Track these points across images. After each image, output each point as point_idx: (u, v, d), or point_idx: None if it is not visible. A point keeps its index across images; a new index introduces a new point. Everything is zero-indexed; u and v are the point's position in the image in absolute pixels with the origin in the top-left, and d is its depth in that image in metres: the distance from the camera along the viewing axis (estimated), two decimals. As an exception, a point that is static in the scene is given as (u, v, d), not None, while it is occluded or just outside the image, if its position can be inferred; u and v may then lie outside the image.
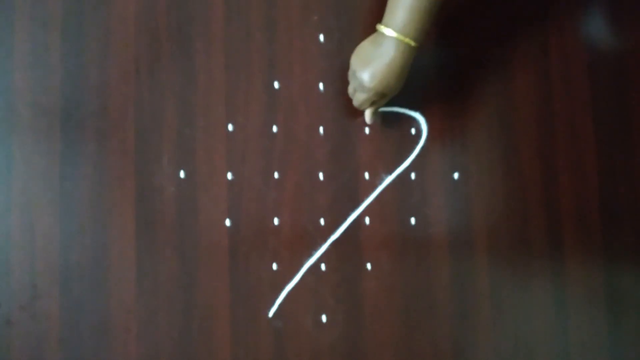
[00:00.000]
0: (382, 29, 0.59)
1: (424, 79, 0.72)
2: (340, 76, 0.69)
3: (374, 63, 0.60)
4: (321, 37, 0.70)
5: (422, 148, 0.71)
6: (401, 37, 0.58)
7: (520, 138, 0.73)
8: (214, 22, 0.69)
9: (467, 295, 0.70)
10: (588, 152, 0.74)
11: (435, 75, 0.72)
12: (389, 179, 0.70)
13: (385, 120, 0.70)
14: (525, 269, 0.71)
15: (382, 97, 0.63)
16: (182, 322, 0.65)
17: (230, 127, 0.68)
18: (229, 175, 0.68)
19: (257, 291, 0.67)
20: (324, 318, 0.67)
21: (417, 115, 0.71)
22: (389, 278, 0.69)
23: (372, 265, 0.69)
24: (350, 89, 0.65)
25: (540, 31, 0.75)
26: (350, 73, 0.64)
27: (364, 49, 0.61)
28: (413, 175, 0.70)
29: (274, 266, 0.67)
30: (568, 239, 0.72)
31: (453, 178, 0.71)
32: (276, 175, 0.68)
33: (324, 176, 0.69)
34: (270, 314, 0.67)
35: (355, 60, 0.62)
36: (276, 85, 0.69)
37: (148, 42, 0.68)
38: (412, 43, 0.58)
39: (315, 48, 0.70)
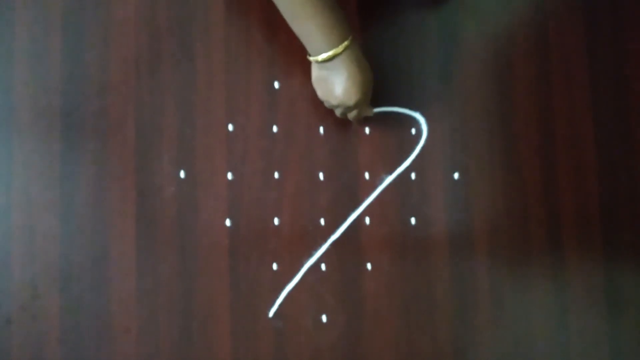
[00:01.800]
0: (317, 58, 0.58)
1: (424, 79, 0.72)
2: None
3: (337, 85, 0.59)
4: (321, 37, 0.70)
5: (422, 148, 0.71)
6: (335, 50, 0.57)
7: (520, 138, 0.73)
8: (214, 22, 0.69)
9: (467, 295, 0.70)
10: (588, 152, 0.74)
11: (435, 75, 0.72)
12: (389, 179, 0.70)
13: (385, 120, 0.70)
14: (525, 269, 0.71)
15: (367, 98, 0.63)
16: (182, 322, 0.65)
17: (230, 127, 0.68)
18: (229, 175, 0.68)
19: (257, 291, 0.67)
20: (324, 318, 0.67)
21: (417, 115, 0.71)
22: (389, 278, 0.69)
23: (372, 265, 0.69)
24: (339, 114, 0.65)
25: (540, 31, 0.75)
26: (328, 106, 0.64)
27: (320, 82, 0.61)
28: (413, 175, 0.70)
29: (274, 266, 0.67)
30: (568, 239, 0.72)
31: (453, 178, 0.71)
32: (276, 175, 0.68)
33: (324, 176, 0.69)
34: (270, 314, 0.67)
35: (323, 95, 0.62)
36: (276, 85, 0.69)
37: (148, 42, 0.68)
38: (346, 43, 0.57)
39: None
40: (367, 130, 0.70)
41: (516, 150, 0.73)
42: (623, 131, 0.75)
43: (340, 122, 0.70)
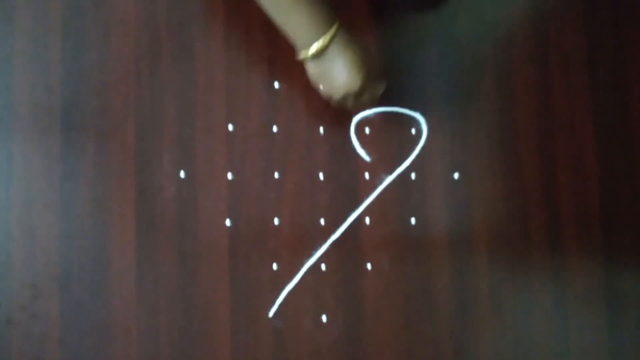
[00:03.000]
0: (307, 52, 0.56)
1: (424, 79, 0.72)
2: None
3: (339, 75, 0.57)
4: (321, 37, 0.70)
5: (422, 148, 0.71)
6: (324, 39, 0.55)
7: (520, 138, 0.73)
8: (214, 22, 0.69)
9: (467, 295, 0.70)
10: (588, 152, 0.74)
11: (435, 75, 0.72)
12: (389, 179, 0.70)
13: (385, 120, 0.70)
14: (525, 269, 0.71)
15: (373, 76, 0.60)
16: (182, 322, 0.65)
17: (230, 127, 0.68)
18: (229, 175, 0.68)
19: (257, 291, 0.67)
20: (324, 318, 0.67)
21: (417, 115, 0.71)
22: (389, 278, 0.69)
23: (372, 265, 0.69)
24: (351, 105, 0.63)
25: (540, 31, 0.75)
26: (336, 102, 0.62)
27: (320, 78, 0.59)
28: (413, 175, 0.70)
29: (274, 266, 0.67)
30: (568, 239, 0.72)
31: (453, 178, 0.71)
32: (276, 175, 0.68)
33: (324, 176, 0.69)
34: (270, 314, 0.67)
35: (328, 90, 0.60)
36: (276, 85, 0.69)
37: (148, 42, 0.68)
38: (334, 29, 0.55)
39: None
40: (367, 130, 0.70)
41: (516, 150, 0.73)
42: (623, 131, 0.75)
43: (340, 122, 0.70)
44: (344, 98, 0.60)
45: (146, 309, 0.65)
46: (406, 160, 0.71)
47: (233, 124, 0.68)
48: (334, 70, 0.57)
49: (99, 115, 0.67)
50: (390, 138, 0.70)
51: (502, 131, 0.73)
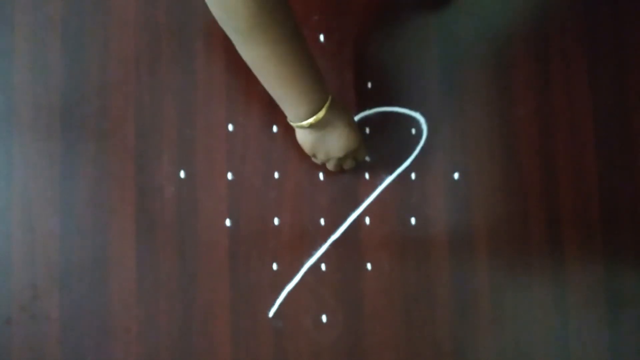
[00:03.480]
0: (302, 124, 0.56)
1: (424, 79, 0.72)
2: (341, 75, 0.69)
3: (338, 138, 0.59)
4: (321, 37, 0.70)
5: (422, 148, 0.71)
6: (322, 112, 0.55)
7: (520, 138, 0.73)
8: (214, 22, 0.69)
9: (467, 295, 0.70)
10: (588, 152, 0.74)
11: (435, 75, 0.72)
12: (389, 179, 0.70)
13: (385, 120, 0.70)
14: (525, 269, 0.71)
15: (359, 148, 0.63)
16: (182, 322, 0.65)
17: (230, 127, 0.68)
18: (229, 175, 0.68)
19: (257, 291, 0.67)
20: (324, 318, 0.67)
21: (417, 115, 0.71)
22: (389, 278, 0.69)
23: (372, 265, 0.69)
24: (333, 166, 0.65)
25: (540, 31, 0.75)
26: (319, 162, 0.65)
27: (316, 143, 0.60)
28: (413, 175, 0.70)
29: (274, 266, 0.67)
30: (568, 239, 0.72)
31: (453, 178, 0.71)
32: (276, 175, 0.68)
33: (324, 176, 0.69)
34: (270, 314, 0.67)
35: (324, 155, 0.62)
36: (276, 85, 0.69)
37: (148, 42, 0.68)
38: (327, 102, 0.56)
39: (315, 48, 0.70)
40: (367, 130, 0.70)
41: (516, 150, 0.73)
42: (623, 132, 0.75)
43: (340, 122, 0.70)
44: (343, 158, 0.63)
45: (146, 309, 0.65)
46: (406, 161, 0.71)
47: (233, 124, 0.68)
48: (333, 135, 0.59)
49: (99, 115, 0.67)
50: (390, 138, 0.70)
51: (502, 131, 0.73)
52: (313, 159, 0.65)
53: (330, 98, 0.56)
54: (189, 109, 0.68)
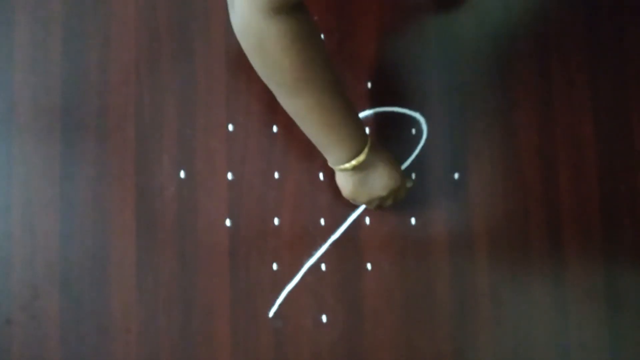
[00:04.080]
0: (346, 166, 0.58)
1: (424, 79, 0.72)
2: (341, 75, 0.69)
3: (382, 177, 0.60)
4: (321, 37, 0.70)
5: (422, 148, 0.71)
6: (360, 158, 0.57)
7: (520, 138, 0.73)
8: (214, 22, 0.69)
9: (467, 295, 0.70)
10: (588, 152, 0.74)
11: (435, 75, 0.72)
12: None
13: (385, 120, 0.70)
14: (525, 269, 0.71)
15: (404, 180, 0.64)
16: (182, 322, 0.65)
17: (230, 127, 0.68)
18: (229, 175, 0.68)
19: (257, 291, 0.67)
20: (324, 318, 0.67)
21: (417, 115, 0.71)
22: (389, 278, 0.69)
23: (372, 265, 0.69)
24: (374, 206, 0.65)
25: (541, 31, 0.75)
26: (370, 205, 0.64)
27: (359, 185, 0.61)
28: (413, 176, 0.70)
29: (274, 266, 0.67)
30: (568, 239, 0.72)
31: (453, 178, 0.71)
32: (276, 175, 0.68)
33: (324, 176, 0.69)
34: (270, 314, 0.67)
35: (368, 196, 0.62)
36: (276, 85, 0.69)
37: (148, 42, 0.68)
38: (368, 144, 0.57)
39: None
40: (367, 130, 0.70)
41: (516, 150, 0.73)
42: (623, 132, 0.75)
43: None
44: (385, 198, 0.63)
45: (146, 309, 0.65)
46: (406, 161, 0.71)
47: (233, 124, 0.68)
48: (376, 174, 0.60)
49: (99, 115, 0.67)
50: (390, 138, 0.70)
51: (502, 131, 0.73)
52: (352, 201, 0.65)
53: (369, 140, 0.58)
54: (189, 109, 0.68)
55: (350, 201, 0.65)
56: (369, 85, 0.70)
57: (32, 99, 0.66)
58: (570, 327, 0.71)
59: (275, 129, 0.69)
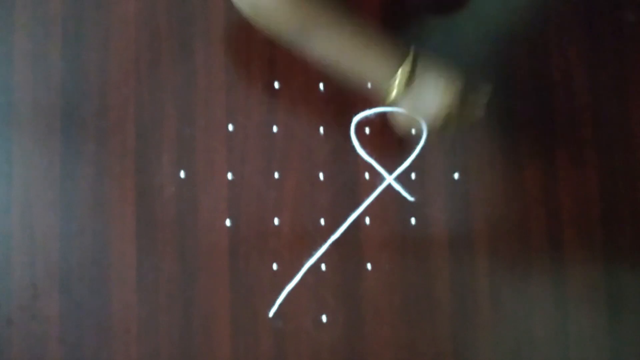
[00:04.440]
0: (395, 83, 0.56)
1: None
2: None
3: (434, 97, 0.57)
4: None
5: (422, 148, 0.71)
6: (407, 65, 0.56)
7: (520, 138, 0.73)
8: (214, 22, 0.69)
9: (467, 295, 0.70)
10: (588, 153, 0.74)
11: (435, 75, 0.72)
12: (389, 179, 0.70)
13: (385, 120, 0.70)
14: (525, 269, 0.71)
15: (472, 92, 0.60)
16: (182, 322, 0.65)
17: (230, 127, 0.68)
18: (229, 175, 0.68)
19: (257, 291, 0.67)
20: (324, 318, 0.67)
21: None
22: (389, 278, 0.69)
23: (372, 265, 0.69)
24: (452, 123, 0.60)
25: (541, 32, 0.75)
26: (437, 127, 0.60)
27: (417, 106, 0.58)
28: (413, 175, 0.70)
29: (274, 266, 0.67)
30: (568, 239, 0.72)
31: (453, 178, 0.71)
32: (276, 175, 0.68)
33: (324, 176, 0.69)
34: (270, 314, 0.67)
35: (426, 116, 0.59)
36: (276, 85, 0.69)
37: (148, 42, 0.68)
38: (411, 53, 0.56)
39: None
40: (367, 130, 0.70)
41: (516, 150, 0.73)
42: (623, 132, 0.75)
43: (340, 122, 0.69)
44: (449, 118, 0.58)
45: (146, 309, 0.65)
46: (406, 161, 0.71)
47: (233, 124, 0.68)
48: (428, 93, 0.57)
49: (99, 115, 0.67)
50: (390, 138, 0.70)
51: (502, 131, 0.72)
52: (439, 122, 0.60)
53: (412, 54, 0.56)
54: (189, 109, 0.68)
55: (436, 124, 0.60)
56: (369, 85, 0.70)
57: (32, 99, 0.66)
58: (570, 327, 0.71)
59: (275, 129, 0.69)
